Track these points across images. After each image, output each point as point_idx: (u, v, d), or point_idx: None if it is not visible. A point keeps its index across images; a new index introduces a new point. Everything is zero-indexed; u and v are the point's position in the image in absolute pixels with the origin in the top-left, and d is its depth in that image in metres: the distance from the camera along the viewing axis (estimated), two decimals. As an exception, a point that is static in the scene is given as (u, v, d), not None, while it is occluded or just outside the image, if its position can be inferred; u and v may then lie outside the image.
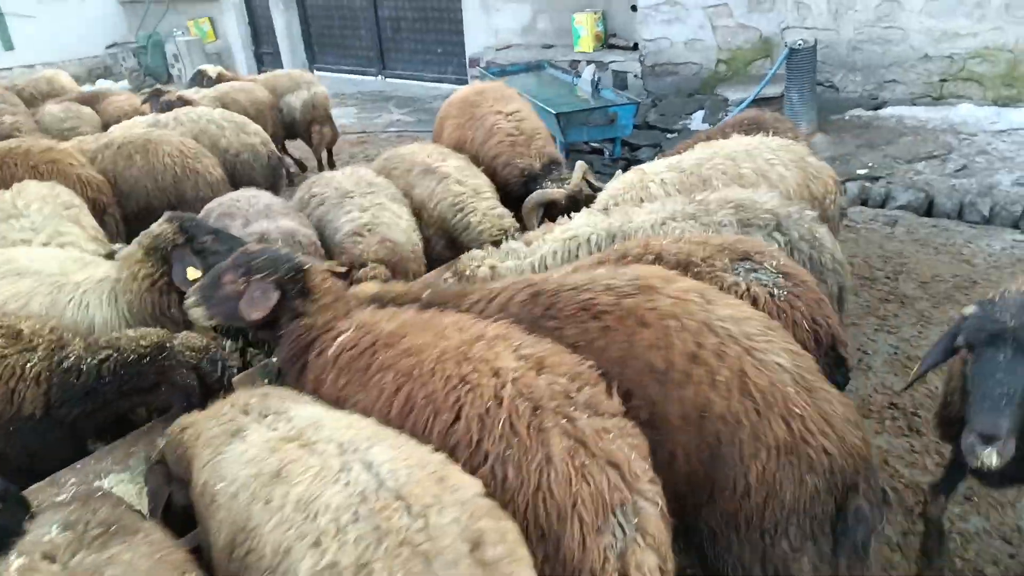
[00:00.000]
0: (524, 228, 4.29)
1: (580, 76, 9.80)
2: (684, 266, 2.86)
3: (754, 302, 2.77)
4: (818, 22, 9.16)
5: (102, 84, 18.60)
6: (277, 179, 6.75)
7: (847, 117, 8.88)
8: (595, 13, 11.04)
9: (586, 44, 11.16)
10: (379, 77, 14.99)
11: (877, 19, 8.79)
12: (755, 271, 2.85)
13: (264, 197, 4.55)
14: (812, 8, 9.13)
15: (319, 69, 16.05)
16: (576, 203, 4.54)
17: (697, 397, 2.28)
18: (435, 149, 5.00)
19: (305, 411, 2.08)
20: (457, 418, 2.06)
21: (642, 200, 3.88)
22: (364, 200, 4.17)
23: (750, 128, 4.69)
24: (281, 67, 15.98)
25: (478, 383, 2.06)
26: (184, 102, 7.36)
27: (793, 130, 4.84)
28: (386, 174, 4.86)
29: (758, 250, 2.93)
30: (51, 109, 7.46)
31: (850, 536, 2.19)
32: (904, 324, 4.82)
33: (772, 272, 2.83)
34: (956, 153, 7.60)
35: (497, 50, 12.30)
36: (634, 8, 10.61)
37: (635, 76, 10.86)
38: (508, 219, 4.36)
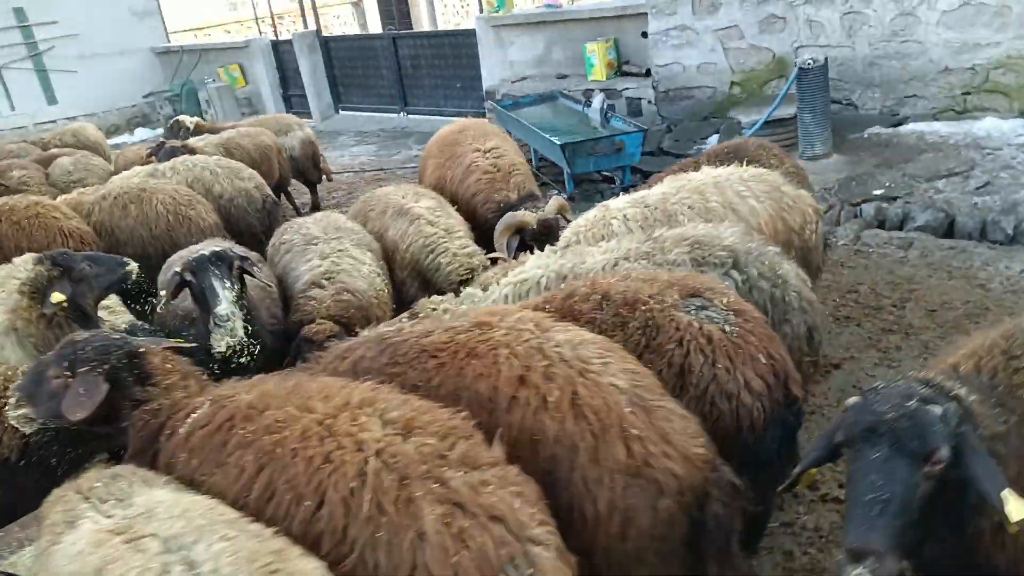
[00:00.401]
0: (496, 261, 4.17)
1: (590, 105, 9.69)
2: (632, 304, 2.70)
3: (708, 340, 2.60)
4: (832, 39, 8.89)
5: (140, 132, 19.29)
6: (272, 222, 6.76)
7: (865, 135, 8.55)
8: (607, 41, 10.95)
9: (599, 72, 11.07)
10: (402, 114, 15.15)
11: (893, 34, 8.48)
12: (705, 308, 2.67)
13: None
14: (825, 26, 8.87)
15: (344, 109, 16.34)
16: (551, 233, 4.42)
17: (526, 421, 2.22)
18: (411, 189, 4.94)
19: (147, 496, 1.96)
20: (321, 504, 1.92)
21: (603, 238, 3.72)
22: (327, 247, 4.11)
23: (728, 158, 4.49)
24: (308, 109, 16.35)
25: (342, 461, 1.92)
26: (188, 150, 7.48)
27: (779, 156, 4.61)
28: (363, 216, 4.81)
29: (708, 287, 2.76)
30: (61, 162, 7.67)
31: (713, 541, 2.16)
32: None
33: (722, 309, 2.65)
34: (979, 169, 7.22)
35: (512, 82, 12.30)
36: (645, 35, 10.49)
37: (649, 102, 10.71)
38: (478, 258, 4.25)
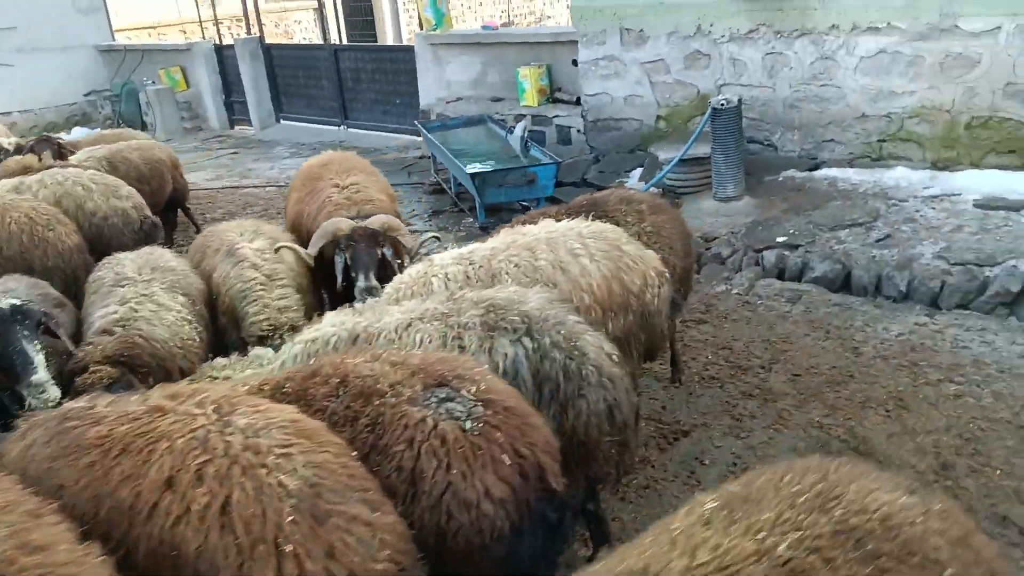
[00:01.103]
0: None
1: (512, 132, 9.49)
2: (366, 395, 2.43)
3: (443, 440, 2.34)
4: (753, 79, 8.79)
5: (77, 131, 18.72)
6: (151, 244, 6.43)
7: (781, 178, 8.44)
8: (539, 67, 10.78)
9: (530, 98, 10.89)
10: (342, 127, 14.85)
11: (812, 76, 8.40)
12: (449, 400, 2.41)
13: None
14: (748, 65, 8.77)
15: (286, 119, 16.01)
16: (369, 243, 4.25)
17: (164, 532, 1.92)
18: (251, 225, 4.65)
19: None
20: None
21: (422, 296, 3.47)
22: (132, 290, 3.81)
23: (583, 211, 4.28)
24: (248, 115, 15.99)
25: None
26: (60, 148, 7.27)
27: (641, 213, 4.40)
28: (200, 252, 4.52)
29: (458, 374, 2.50)
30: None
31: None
32: (757, 427, 4.32)
33: (469, 400, 2.40)
34: (882, 220, 7.12)
35: (447, 102, 12.08)
36: (575, 63, 10.33)
37: (579, 131, 10.55)
38: (291, 313, 3.92)
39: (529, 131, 9.41)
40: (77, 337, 3.88)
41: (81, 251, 5.67)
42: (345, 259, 4.36)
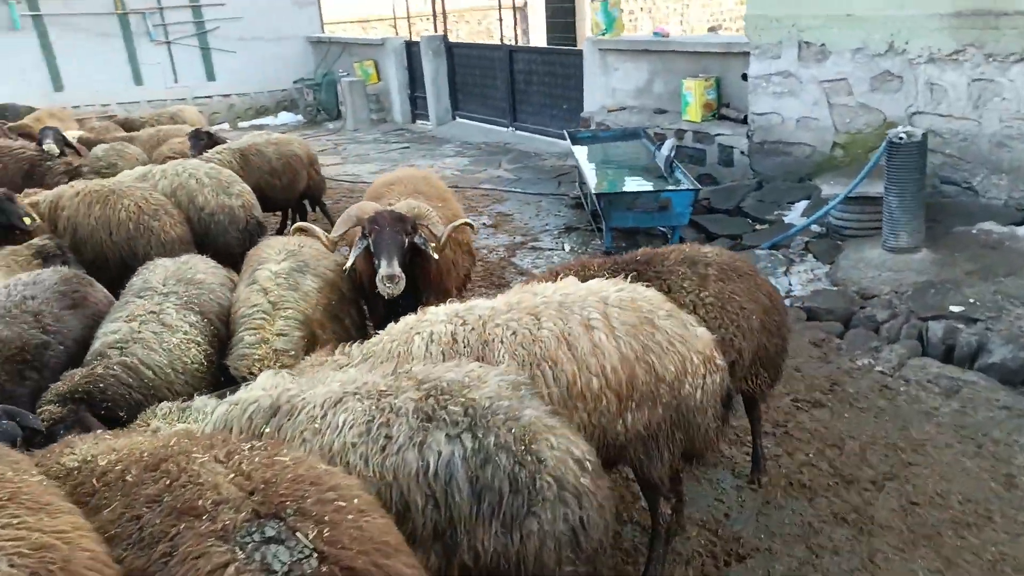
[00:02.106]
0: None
1: (659, 150, 8.67)
2: (181, 512, 1.83)
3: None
4: (954, 109, 7.30)
5: (284, 116, 20.22)
6: (253, 244, 6.50)
7: (974, 231, 6.93)
8: (707, 80, 9.81)
9: (693, 113, 9.96)
10: (510, 129, 14.68)
11: (1033, 110, 6.81)
12: (276, 542, 1.82)
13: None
14: (948, 91, 7.30)
15: (461, 116, 16.14)
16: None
17: None
18: (295, 243, 4.36)
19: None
20: None
21: (400, 356, 2.98)
22: (144, 305, 3.65)
23: (637, 268, 3.54)
24: (427, 111, 16.33)
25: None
26: (211, 138, 7.55)
27: (703, 278, 3.57)
28: (248, 265, 4.33)
29: (307, 504, 1.87)
30: (95, 149, 7.86)
31: None
32: (836, 569, 3.34)
33: (301, 548, 1.82)
34: (1099, 302, 5.56)
35: (610, 111, 11.42)
36: (744, 77, 9.26)
37: (742, 153, 9.48)
38: (285, 359, 3.48)
39: (676, 149, 8.53)
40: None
41: (184, 243, 5.79)
42: (368, 245, 3.96)
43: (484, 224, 9.15)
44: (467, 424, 2.36)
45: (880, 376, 5.24)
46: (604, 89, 11.86)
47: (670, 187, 7.50)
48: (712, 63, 10.02)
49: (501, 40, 14.57)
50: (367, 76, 17.73)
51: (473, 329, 2.95)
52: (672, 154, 8.41)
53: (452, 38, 17.14)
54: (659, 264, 3.53)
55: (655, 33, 11.13)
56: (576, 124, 12.58)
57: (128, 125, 10.95)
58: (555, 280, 3.24)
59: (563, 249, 8.15)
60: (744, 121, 9.51)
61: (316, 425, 2.45)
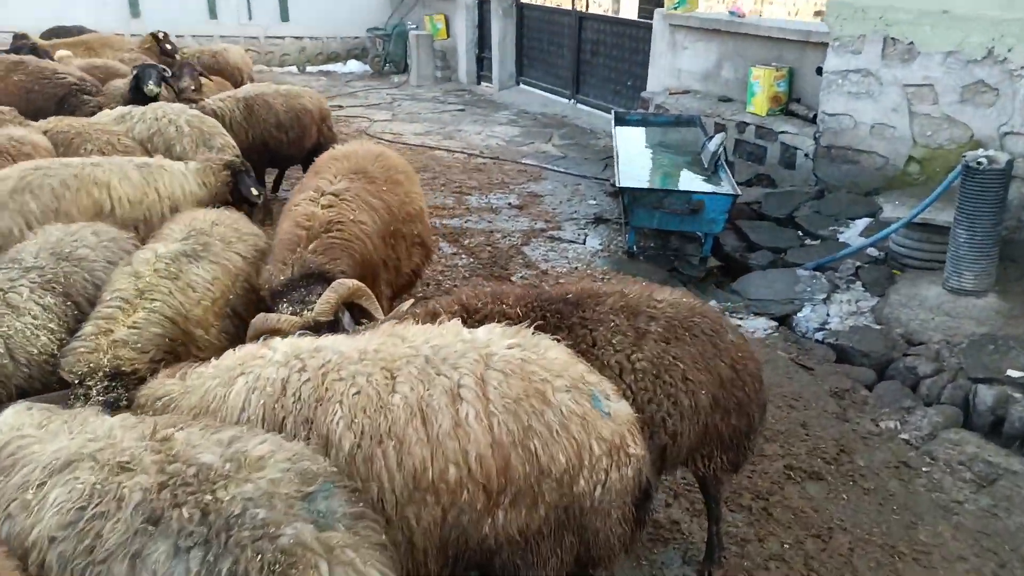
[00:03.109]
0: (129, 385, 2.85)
1: (707, 144, 7.79)
2: None
3: None
4: (1057, 133, 6.18)
5: (352, 64, 19.85)
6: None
7: (1057, 281, 5.88)
8: (778, 70, 8.78)
9: (759, 105, 8.96)
10: (571, 101, 13.85)
11: None
12: None
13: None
14: (1053, 111, 6.18)
15: (525, 82, 15.38)
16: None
17: None
18: (212, 218, 3.76)
19: None
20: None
21: (213, 401, 2.39)
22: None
23: (556, 314, 2.78)
24: (491, 73, 15.61)
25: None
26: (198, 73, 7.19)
27: (654, 333, 2.80)
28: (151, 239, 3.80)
29: None
30: (115, 82, 7.56)
31: None
32: None
33: None
34: None
35: (671, 93, 10.49)
36: (819, 71, 8.22)
37: (806, 155, 8.48)
38: (126, 358, 2.85)
39: (725, 145, 7.63)
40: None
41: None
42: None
43: (509, 204, 8.49)
44: (202, 536, 1.74)
45: (902, 447, 4.40)
46: (670, 69, 10.90)
47: (704, 189, 6.65)
48: (787, 51, 8.97)
49: (572, 4, 13.63)
50: (436, 31, 17.10)
51: (310, 380, 2.31)
52: (720, 150, 7.52)
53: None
54: (590, 308, 2.78)
55: (730, 12, 10.07)
56: (637, 104, 11.70)
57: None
58: (438, 320, 2.56)
59: (582, 243, 7.42)
60: (813, 120, 8.48)
61: (28, 496, 1.88)
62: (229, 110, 6.92)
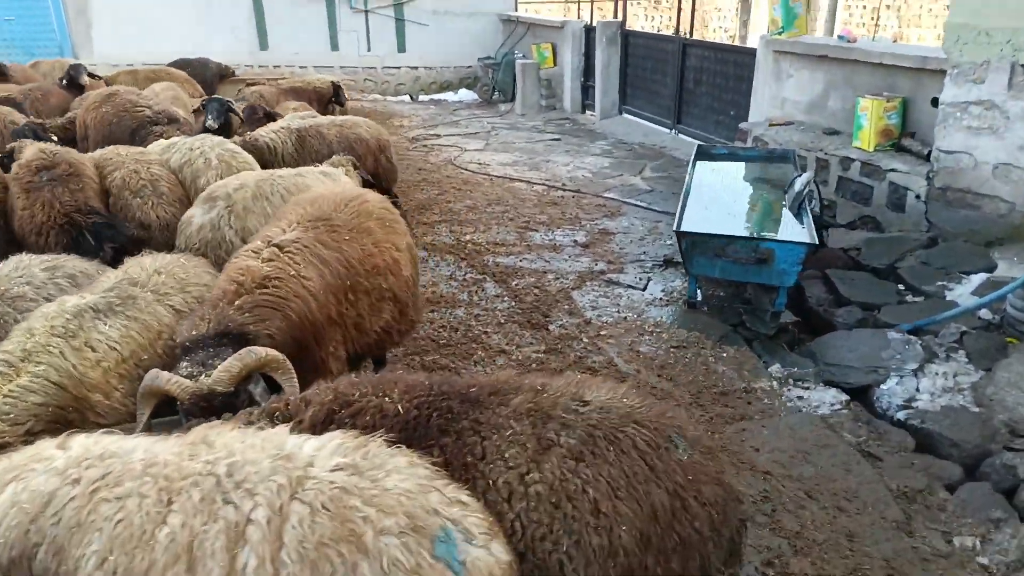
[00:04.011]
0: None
1: (794, 183, 6.93)
2: None
3: None
4: None
5: (462, 93, 20.01)
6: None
7: None
8: (889, 101, 7.76)
9: (866, 139, 7.97)
10: (673, 132, 13.13)
11: None
12: None
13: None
14: None
15: (628, 112, 14.79)
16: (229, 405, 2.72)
17: None
18: (162, 264, 3.49)
19: None
20: None
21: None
22: None
23: (443, 411, 2.23)
24: (592, 101, 15.15)
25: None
26: (268, 115, 7.18)
27: (545, 446, 2.21)
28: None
29: None
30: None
31: None
32: None
33: None
34: None
35: (771, 125, 9.60)
36: (935, 102, 7.17)
37: (918, 197, 7.41)
38: None
39: (812, 186, 6.74)
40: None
41: (167, 228, 5.30)
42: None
43: (575, 242, 7.94)
44: None
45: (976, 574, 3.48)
46: (773, 99, 10.01)
47: (774, 236, 5.83)
48: (901, 80, 7.93)
49: (677, 30, 12.95)
50: (542, 59, 16.86)
51: (76, 498, 1.83)
52: (805, 190, 6.65)
53: (641, 26, 15.71)
54: (490, 409, 2.19)
55: (840, 37, 9.09)
56: (736, 135, 10.85)
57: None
58: (264, 423, 2.09)
59: (642, 289, 6.75)
60: (927, 158, 7.40)
61: None
62: (281, 142, 6.85)
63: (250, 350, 2.71)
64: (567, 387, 2.32)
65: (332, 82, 12.06)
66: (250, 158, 5.89)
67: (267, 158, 6.92)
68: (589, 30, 15.70)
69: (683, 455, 2.22)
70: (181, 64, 14.13)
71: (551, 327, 5.90)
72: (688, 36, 12.68)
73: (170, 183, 5.40)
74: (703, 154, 8.31)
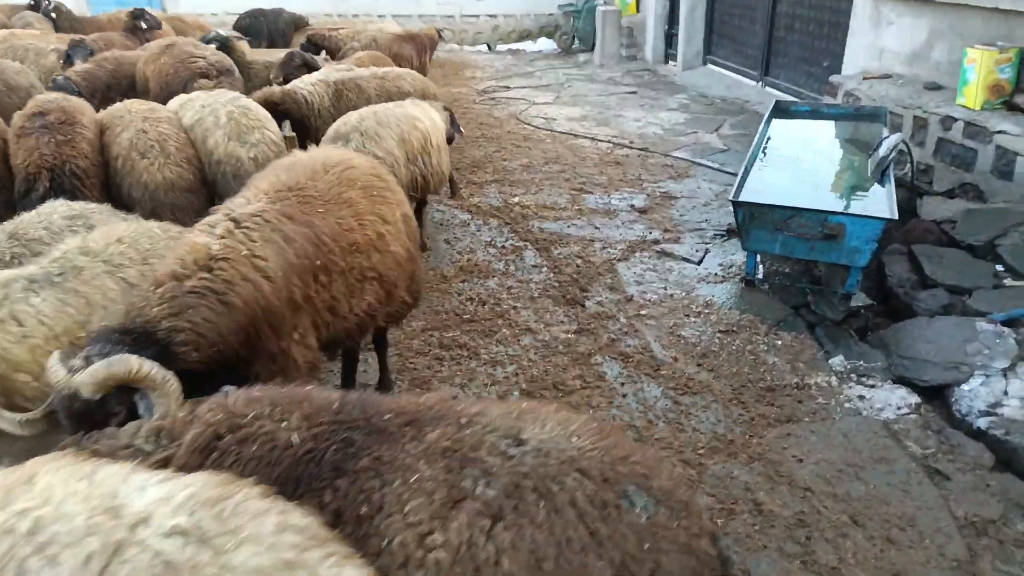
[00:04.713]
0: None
1: (878, 147, 6.11)
2: None
3: None
4: None
5: (543, 42, 19.26)
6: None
7: None
8: (1003, 51, 6.72)
9: (971, 96, 6.95)
10: (759, 84, 12.11)
11: None
12: None
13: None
14: None
15: (712, 62, 13.77)
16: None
17: None
18: (123, 232, 3.23)
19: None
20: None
21: None
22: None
23: (347, 453, 1.81)
24: (676, 51, 14.20)
25: None
26: (306, 64, 6.89)
27: (454, 499, 1.77)
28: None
29: None
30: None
31: None
32: None
33: None
34: None
35: (865, 78, 8.58)
36: (1058, 52, 6.12)
37: (1030, 165, 6.42)
38: None
39: (899, 150, 5.90)
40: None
41: (173, 188, 5.08)
42: None
43: (632, 206, 7.34)
44: None
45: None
46: (870, 48, 8.94)
47: (845, 208, 5.09)
48: (1020, 29, 6.83)
49: (768, -28, 11.81)
50: (625, 6, 15.91)
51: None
52: (891, 156, 5.83)
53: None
54: (399, 444, 1.72)
55: (950, -25, 7.94)
56: (824, 89, 9.84)
57: (317, 38, 10.68)
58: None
59: (697, 262, 6.14)
60: (1046, 118, 6.37)
61: None
62: (319, 95, 6.55)
63: (122, 359, 2.34)
64: (503, 419, 1.87)
65: (436, 29, 11.89)
66: (264, 114, 5.56)
67: (304, 111, 6.63)
68: (675, -28, 14.63)
69: (642, 515, 1.76)
70: (255, 14, 14.02)
71: (587, 303, 5.42)
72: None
73: (178, 142, 5.16)
74: (780, 111, 7.50)
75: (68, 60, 8.33)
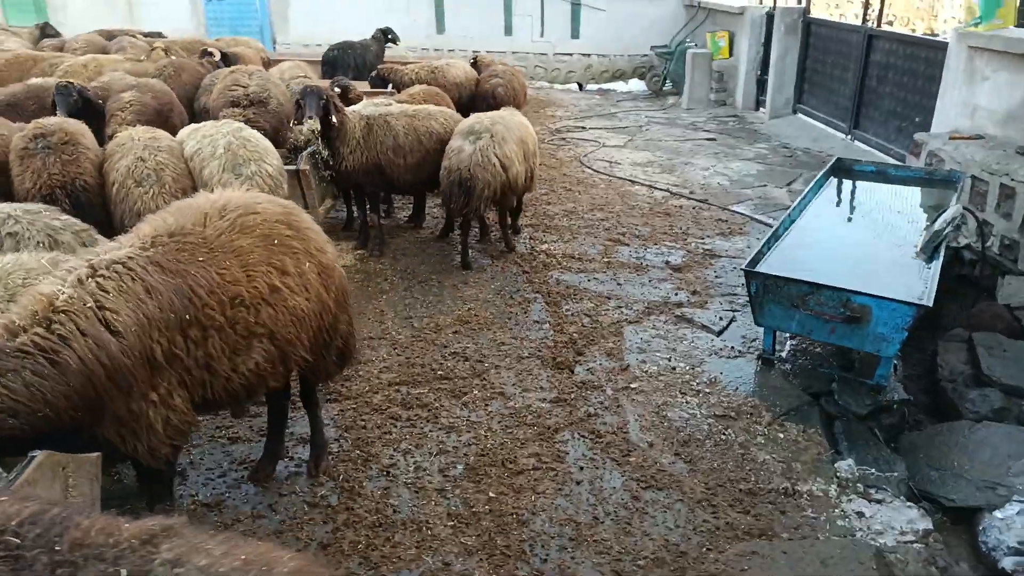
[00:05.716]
0: None
1: (939, 217, 5.38)
2: None
3: None
4: None
5: (633, 83, 18.87)
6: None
7: None
8: (1106, 114, 5.82)
9: (1066, 165, 6.06)
10: (847, 137, 11.26)
11: None
12: None
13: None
14: None
15: (802, 111, 12.98)
16: None
17: None
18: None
19: None
20: None
21: None
22: None
23: None
24: (765, 98, 13.51)
25: None
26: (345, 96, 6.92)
27: None
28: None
29: None
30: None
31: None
32: None
33: None
34: None
35: (952, 139, 7.72)
36: None
37: None
38: None
39: (958, 224, 5.14)
40: None
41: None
42: None
43: (666, 263, 6.82)
44: None
45: None
46: (963, 105, 8.07)
47: (872, 289, 4.41)
48: None
49: (864, 17, 11.02)
50: (716, 49, 15.31)
51: None
52: (948, 229, 5.10)
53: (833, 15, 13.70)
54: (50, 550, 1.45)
55: (1055, 28, 7.04)
56: (909, 147, 8.96)
57: (385, 71, 10.72)
58: None
59: (716, 333, 5.55)
60: None
61: None
62: (351, 126, 6.46)
63: None
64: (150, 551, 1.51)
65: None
66: (265, 147, 5.48)
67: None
68: (771, 18, 13.95)
69: None
70: (343, 47, 14.36)
71: (577, 369, 4.96)
72: (876, 26, 10.69)
73: (176, 172, 5.15)
74: (840, 170, 6.82)
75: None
